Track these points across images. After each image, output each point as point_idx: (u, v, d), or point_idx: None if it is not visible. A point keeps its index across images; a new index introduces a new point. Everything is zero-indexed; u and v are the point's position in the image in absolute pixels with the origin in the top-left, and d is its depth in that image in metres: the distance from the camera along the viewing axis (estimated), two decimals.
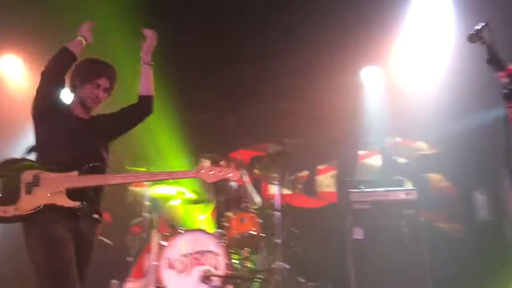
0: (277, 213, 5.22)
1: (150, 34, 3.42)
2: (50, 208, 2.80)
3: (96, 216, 3.00)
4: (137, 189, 6.80)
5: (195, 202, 5.42)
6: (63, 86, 3.13)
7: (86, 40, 3.27)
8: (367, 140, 7.00)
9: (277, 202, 5.33)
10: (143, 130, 6.37)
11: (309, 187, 6.98)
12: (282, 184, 6.38)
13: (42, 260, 2.71)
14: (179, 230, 5.00)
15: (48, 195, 2.81)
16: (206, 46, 6.23)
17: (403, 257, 5.00)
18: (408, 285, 4.88)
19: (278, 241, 5.10)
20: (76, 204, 2.83)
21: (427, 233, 5.13)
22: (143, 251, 4.97)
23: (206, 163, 7.21)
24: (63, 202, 2.82)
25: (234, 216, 5.16)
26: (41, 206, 2.79)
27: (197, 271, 4.76)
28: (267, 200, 6.23)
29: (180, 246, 4.83)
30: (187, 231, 4.96)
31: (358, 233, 5.17)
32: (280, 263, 5.00)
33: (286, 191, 6.73)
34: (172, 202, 5.39)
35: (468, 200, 5.87)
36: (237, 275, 4.89)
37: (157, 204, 5.54)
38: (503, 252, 4.85)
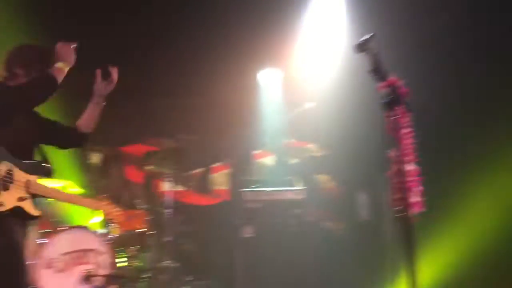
0: (168, 211, 5.11)
1: (115, 73, 3.23)
2: (15, 211, 2.64)
3: None
4: None
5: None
6: None
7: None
8: (262, 140, 7.12)
9: (169, 199, 5.22)
10: None
11: (203, 184, 6.93)
12: (175, 181, 6.27)
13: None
14: (61, 227, 4.68)
15: (17, 197, 2.66)
16: (101, 34, 5.88)
17: (290, 254, 5.15)
18: (292, 280, 5.04)
19: (168, 239, 4.99)
20: (39, 213, 2.75)
21: (314, 231, 5.34)
22: None
23: (96, 157, 6.91)
24: (30, 209, 2.71)
25: (120, 213, 4.94)
26: (13, 208, 2.63)
27: (78, 271, 4.49)
28: (159, 197, 6.07)
29: (61, 244, 4.51)
30: (69, 228, 4.65)
31: (248, 231, 5.24)
32: (168, 261, 4.90)
33: (179, 188, 6.62)
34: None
35: (352, 201, 6.19)
36: (121, 274, 4.70)
37: (38, 198, 5.15)
38: (380, 251, 5.18)
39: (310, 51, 5.86)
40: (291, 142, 6.94)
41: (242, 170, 6.98)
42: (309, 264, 5.16)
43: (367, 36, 2.54)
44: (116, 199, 5.42)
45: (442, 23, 4.79)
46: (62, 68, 2.89)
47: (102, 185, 5.74)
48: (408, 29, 4.82)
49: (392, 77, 2.45)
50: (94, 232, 4.75)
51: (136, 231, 4.93)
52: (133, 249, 4.97)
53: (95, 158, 6.94)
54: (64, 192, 3.32)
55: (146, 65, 6.34)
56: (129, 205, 5.35)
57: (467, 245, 4.83)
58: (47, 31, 4.56)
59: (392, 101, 2.37)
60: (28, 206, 2.71)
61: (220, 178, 7.01)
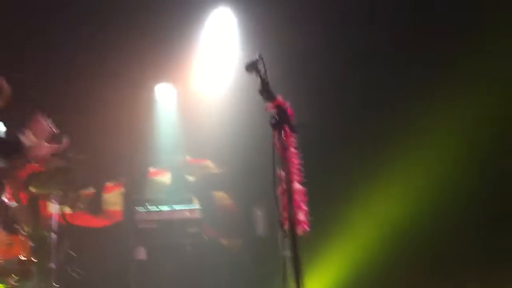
0: (54, 235, 4.77)
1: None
2: None
3: None
4: None
5: None
6: None
7: None
8: (157, 157, 6.96)
9: (55, 222, 4.87)
10: None
11: (95, 205, 6.59)
12: (62, 202, 5.89)
13: None
14: None
15: None
16: None
17: (186, 275, 5.05)
18: None
19: (53, 265, 4.65)
20: None
21: (211, 250, 5.29)
22: None
23: None
24: None
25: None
26: None
27: None
28: (46, 220, 5.65)
29: None
30: None
31: (141, 253, 5.05)
32: None
33: (67, 210, 6.22)
34: None
35: (248, 217, 6.26)
36: None
37: None
38: (275, 267, 5.27)
39: (206, 67, 5.87)
40: (187, 159, 6.88)
41: (137, 188, 6.76)
42: (206, 283, 5.09)
43: (254, 58, 2.60)
44: None
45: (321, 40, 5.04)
46: None
47: None
48: (294, 46, 5.01)
49: (279, 98, 2.52)
50: None
51: (17, 258, 4.51)
52: (13, 278, 4.54)
53: None
54: None
55: (30, 79, 5.93)
56: (9, 230, 4.90)
57: (353, 258, 5.09)
58: None
59: (279, 122, 2.43)
60: None
61: (112, 198, 6.71)
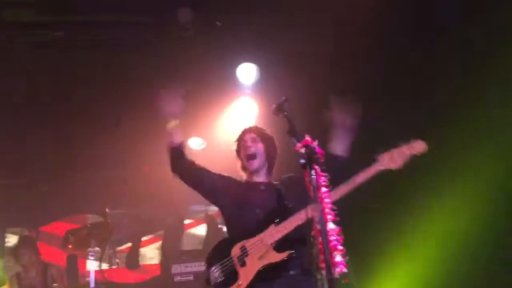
0: None
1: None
2: (264, 271, 2.69)
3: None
4: None
5: None
6: None
7: None
8: (192, 208, 6.97)
9: (93, 279, 4.86)
10: None
11: (132, 260, 6.59)
12: (100, 259, 5.91)
13: None
14: None
15: (259, 258, 2.72)
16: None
17: None
18: None
19: None
20: (286, 254, 2.71)
21: None
22: None
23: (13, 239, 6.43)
24: (274, 258, 2.71)
25: None
26: (256, 273, 2.70)
27: None
28: (84, 277, 5.67)
29: None
30: None
31: None
32: None
33: (105, 266, 6.23)
34: None
35: None
36: None
37: None
38: None
39: (233, 120, 5.86)
40: None
41: (174, 241, 6.74)
42: None
43: (281, 100, 2.62)
44: (31, 285, 5.00)
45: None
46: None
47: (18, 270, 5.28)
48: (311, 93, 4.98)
49: (307, 138, 2.49)
50: None
51: None
52: None
53: (11, 240, 6.47)
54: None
55: (67, 138, 6.11)
56: None
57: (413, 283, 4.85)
58: None
59: (309, 161, 2.38)
60: (271, 257, 2.72)
61: (150, 252, 6.70)
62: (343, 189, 2.75)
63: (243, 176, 3.10)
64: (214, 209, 7.00)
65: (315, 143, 2.50)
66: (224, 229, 6.46)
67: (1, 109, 5.36)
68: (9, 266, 6.02)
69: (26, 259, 5.14)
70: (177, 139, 2.98)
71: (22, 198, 6.35)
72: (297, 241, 2.75)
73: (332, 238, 2.36)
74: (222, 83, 5.45)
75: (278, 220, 2.77)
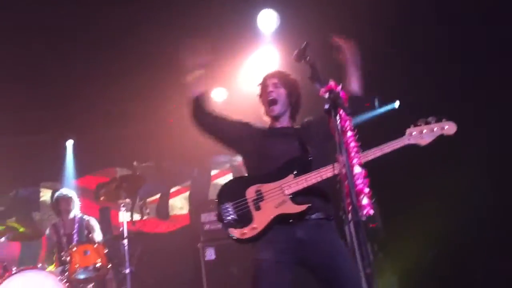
0: (125, 242, 4.94)
1: None
2: (279, 220, 2.68)
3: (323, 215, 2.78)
4: None
5: (30, 237, 4.87)
6: None
7: None
8: (217, 159, 7.06)
9: (125, 229, 5.04)
10: None
11: (161, 210, 6.78)
12: (131, 210, 6.11)
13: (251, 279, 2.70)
14: (12, 271, 4.42)
15: (275, 206, 2.71)
16: (43, 59, 5.63)
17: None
18: None
19: (127, 271, 4.81)
20: (304, 207, 2.69)
21: None
22: None
23: (47, 194, 6.65)
24: (291, 209, 2.70)
25: (75, 249, 4.75)
26: (272, 219, 2.68)
27: None
28: (117, 228, 5.88)
29: None
30: (19, 270, 4.41)
31: (210, 254, 5.13)
32: None
33: (136, 217, 6.44)
34: (3, 239, 4.77)
35: None
36: None
37: None
38: None
39: (254, 68, 5.81)
40: None
41: (201, 192, 6.89)
42: None
43: (302, 45, 2.58)
44: (68, 234, 5.23)
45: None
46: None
47: (55, 221, 5.52)
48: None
49: (331, 83, 2.46)
50: (49, 272, 4.52)
51: (93, 266, 4.72)
52: (92, 285, 4.75)
53: (46, 195, 6.72)
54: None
55: (96, 95, 6.19)
56: (84, 240, 5.15)
57: (421, 252, 4.87)
58: None
59: (333, 106, 2.37)
60: (289, 208, 2.71)
61: (179, 203, 6.88)
62: (368, 155, 2.70)
63: (266, 121, 3.09)
64: (239, 159, 7.11)
65: (339, 88, 2.48)
66: None
67: (30, 66, 5.43)
68: (45, 220, 6.30)
69: (63, 210, 5.37)
70: (198, 90, 2.99)
71: (53, 154, 6.52)
72: (317, 191, 2.76)
73: (359, 181, 2.38)
74: (243, 32, 5.38)
75: (296, 172, 2.75)
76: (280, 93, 3.02)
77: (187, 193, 6.92)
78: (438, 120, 2.77)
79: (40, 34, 5.10)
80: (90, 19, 5.07)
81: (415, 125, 2.78)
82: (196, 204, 6.53)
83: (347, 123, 2.47)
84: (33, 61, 5.44)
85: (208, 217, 5.37)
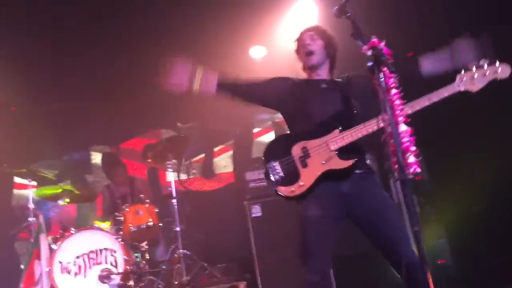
0: (174, 201, 5.12)
1: None
2: (327, 176, 2.69)
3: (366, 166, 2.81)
4: (20, 191, 6.36)
5: (86, 199, 5.12)
6: None
7: None
8: (259, 117, 7.09)
9: (174, 189, 5.22)
10: (14, 127, 5.90)
11: (207, 170, 6.93)
12: (178, 170, 6.28)
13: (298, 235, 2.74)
14: (70, 231, 4.71)
15: (322, 162, 2.70)
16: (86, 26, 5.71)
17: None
18: None
19: (178, 229, 5.01)
20: (350, 162, 2.69)
21: None
22: (31, 257, 4.62)
23: (97, 157, 6.93)
24: (338, 165, 2.69)
25: (128, 209, 4.97)
26: (319, 175, 2.69)
27: (95, 272, 4.54)
28: (165, 188, 6.09)
29: (73, 247, 4.56)
30: (78, 230, 4.68)
31: (256, 211, 5.24)
32: (182, 250, 4.93)
33: (183, 177, 6.63)
34: (60, 202, 5.05)
35: None
36: (137, 270, 4.74)
37: (44, 205, 5.20)
38: None
39: (293, 25, 5.69)
40: None
41: (244, 150, 6.97)
42: None
43: (342, 1, 2.51)
44: (122, 196, 5.47)
45: None
46: None
47: (107, 183, 5.77)
48: None
49: (373, 39, 2.40)
50: (105, 231, 4.78)
51: (146, 225, 4.95)
52: (145, 243, 4.99)
53: (97, 158, 6.98)
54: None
55: (138, 60, 6.27)
56: (135, 200, 5.37)
57: (469, 204, 4.79)
58: None
59: (377, 63, 2.32)
60: (336, 164, 2.71)
61: (223, 161, 7.00)
62: (415, 106, 2.63)
63: (304, 76, 3.06)
64: (280, 116, 7.10)
65: (382, 44, 2.42)
66: None
67: (72, 32, 5.55)
68: (98, 181, 6.59)
69: (115, 172, 5.61)
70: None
71: (101, 118, 6.72)
72: (357, 145, 2.74)
73: (405, 139, 2.35)
74: None
75: (341, 128, 2.73)
76: (318, 44, 2.97)
77: (231, 152, 7.03)
78: (491, 63, 2.62)
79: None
80: None
81: (466, 70, 2.65)
82: (240, 162, 6.64)
83: (391, 80, 2.42)
84: (76, 27, 5.54)
85: (252, 175, 5.44)
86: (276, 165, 2.75)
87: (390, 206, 2.79)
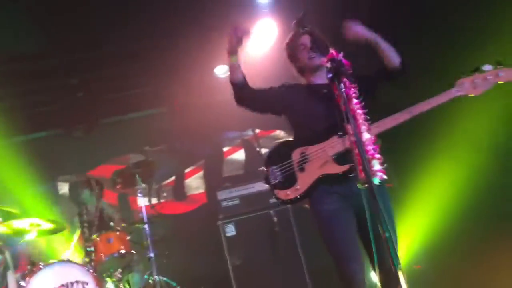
0: (146, 226, 5.03)
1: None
2: (323, 180, 2.75)
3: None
4: None
5: (54, 231, 4.96)
6: None
7: None
8: (228, 135, 7.08)
9: (145, 214, 5.12)
10: None
11: (178, 192, 6.85)
12: (149, 195, 6.18)
13: (320, 234, 2.79)
14: (39, 266, 4.54)
15: (318, 167, 2.75)
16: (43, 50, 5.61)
17: (276, 244, 5.14)
18: (284, 272, 5.03)
19: (151, 254, 4.91)
20: (346, 167, 2.69)
21: (297, 217, 5.30)
22: None
23: (64, 187, 6.77)
24: (334, 169, 2.73)
25: (99, 238, 4.85)
26: (315, 180, 2.75)
27: None
28: (137, 213, 5.97)
29: (42, 283, 4.39)
30: (47, 264, 4.52)
31: (230, 230, 5.20)
32: (157, 276, 4.82)
33: (154, 201, 6.53)
34: (27, 236, 4.86)
35: None
36: None
37: (10, 241, 5.01)
38: None
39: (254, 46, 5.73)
40: (257, 133, 6.94)
41: (215, 170, 6.93)
42: (297, 251, 5.15)
43: (299, 15, 2.55)
44: (91, 225, 5.34)
45: None
46: None
47: (74, 214, 5.63)
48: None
49: (332, 51, 2.44)
50: (75, 263, 4.63)
51: (118, 253, 4.83)
52: (119, 272, 4.87)
53: (64, 188, 6.82)
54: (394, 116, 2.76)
55: (104, 82, 6.22)
56: (106, 228, 5.25)
57: (437, 210, 4.86)
58: None
59: (337, 74, 2.36)
60: (331, 168, 2.74)
61: (194, 182, 6.94)
62: (415, 110, 2.67)
63: (300, 81, 3.10)
64: (248, 134, 7.13)
65: (341, 55, 2.46)
66: (263, 151, 6.63)
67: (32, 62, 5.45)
68: (65, 212, 6.41)
69: (86, 197, 5.49)
70: (237, 74, 3.04)
71: (66, 148, 6.60)
72: None
73: (369, 147, 2.38)
74: (240, 7, 5.30)
75: (341, 133, 2.71)
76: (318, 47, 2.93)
77: (202, 173, 6.97)
78: (494, 68, 2.64)
79: None
80: None
81: (467, 75, 2.67)
82: (212, 182, 6.60)
83: (352, 90, 2.46)
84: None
85: (224, 194, 5.43)
86: (276, 170, 2.86)
87: (390, 213, 2.79)
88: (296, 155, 2.84)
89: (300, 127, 2.99)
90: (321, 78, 2.95)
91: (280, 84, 3.10)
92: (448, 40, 4.62)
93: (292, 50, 3.05)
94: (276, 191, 2.83)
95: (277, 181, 2.83)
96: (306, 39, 2.94)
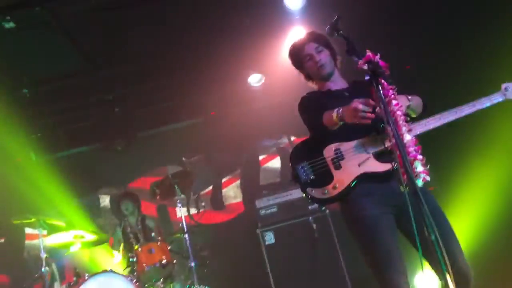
0: (186, 236, 5.07)
1: None
2: (363, 178, 2.57)
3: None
4: (32, 242, 6.33)
5: (97, 243, 5.07)
6: None
7: None
8: (264, 144, 7.09)
9: (185, 224, 5.18)
10: (21, 178, 5.99)
11: (216, 201, 6.89)
12: (187, 205, 6.25)
13: (358, 240, 2.64)
14: (85, 277, 4.64)
15: (358, 165, 2.59)
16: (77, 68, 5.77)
17: (316, 252, 5.09)
18: (325, 279, 4.97)
19: (192, 264, 4.95)
20: (389, 166, 2.54)
21: (336, 223, 5.24)
22: None
23: (105, 200, 6.92)
24: (375, 167, 2.58)
25: (141, 249, 4.93)
26: (355, 178, 2.58)
27: None
28: (177, 224, 6.04)
29: None
30: (92, 275, 4.62)
31: (269, 238, 5.19)
32: (198, 286, 4.85)
33: (193, 211, 6.59)
34: (72, 248, 5.00)
35: None
36: None
37: (56, 253, 5.16)
38: None
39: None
40: (292, 140, 6.92)
41: (251, 178, 6.95)
42: (338, 257, 5.08)
43: (333, 19, 2.53)
44: (134, 236, 5.43)
45: None
46: None
47: (115, 226, 5.74)
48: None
49: (368, 53, 2.41)
50: (118, 274, 4.71)
51: (159, 263, 4.89)
52: (161, 281, 4.92)
53: (105, 201, 6.97)
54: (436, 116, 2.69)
55: (141, 96, 6.36)
56: (148, 239, 5.33)
57: (482, 211, 4.72)
58: None
59: (374, 76, 2.33)
60: (372, 166, 2.59)
61: (231, 192, 6.97)
62: (460, 113, 2.63)
63: (309, 85, 3.00)
64: (283, 141, 7.12)
65: (377, 57, 2.42)
66: None
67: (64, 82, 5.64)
68: (107, 224, 6.56)
69: (128, 209, 5.61)
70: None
71: (106, 161, 6.77)
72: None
73: (411, 149, 2.33)
74: (272, 15, 5.32)
75: (376, 131, 2.59)
76: (325, 54, 2.90)
77: (238, 182, 7.00)
78: None
79: None
80: None
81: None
82: (249, 191, 6.61)
83: (391, 92, 2.42)
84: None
85: (262, 203, 5.42)
86: (306, 166, 2.67)
87: (441, 213, 2.68)
88: (329, 152, 2.66)
89: (332, 132, 2.72)
90: (336, 84, 2.90)
91: (304, 95, 2.95)
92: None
93: (296, 59, 2.98)
94: (309, 189, 2.63)
95: (308, 178, 2.64)
96: (310, 48, 2.87)
